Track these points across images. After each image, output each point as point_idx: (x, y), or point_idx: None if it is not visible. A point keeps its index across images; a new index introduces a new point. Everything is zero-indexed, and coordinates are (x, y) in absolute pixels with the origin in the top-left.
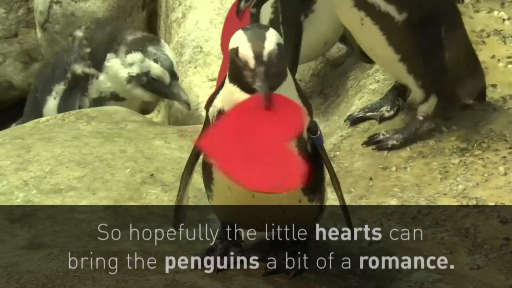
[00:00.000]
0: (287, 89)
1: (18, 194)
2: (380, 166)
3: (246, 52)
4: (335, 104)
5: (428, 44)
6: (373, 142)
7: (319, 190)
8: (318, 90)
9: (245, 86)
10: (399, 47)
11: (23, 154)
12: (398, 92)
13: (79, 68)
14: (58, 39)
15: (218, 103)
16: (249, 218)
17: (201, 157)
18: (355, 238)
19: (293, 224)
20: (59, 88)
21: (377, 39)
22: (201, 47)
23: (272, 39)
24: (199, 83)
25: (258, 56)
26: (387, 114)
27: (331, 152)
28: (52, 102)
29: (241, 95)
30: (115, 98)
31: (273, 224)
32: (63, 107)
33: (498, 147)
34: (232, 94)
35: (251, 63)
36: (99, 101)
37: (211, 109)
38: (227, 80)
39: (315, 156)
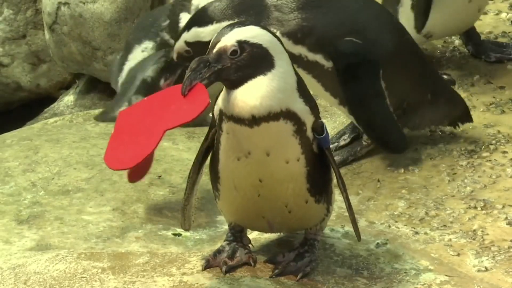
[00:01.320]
0: (264, 85)
1: (26, 195)
2: (388, 168)
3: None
4: None
5: (358, 92)
6: None
7: (326, 191)
8: None
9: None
10: (335, 92)
11: (31, 155)
12: None
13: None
14: (66, 41)
15: (219, 102)
16: (256, 218)
17: (209, 156)
18: (362, 238)
19: (300, 225)
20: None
21: (314, 85)
22: None
23: (234, 36)
24: None
25: (210, 48)
26: (342, 143)
27: None
28: (139, 54)
29: (223, 91)
30: None
31: (280, 225)
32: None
33: (506, 149)
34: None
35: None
36: None
37: (215, 108)
38: None
39: (321, 156)
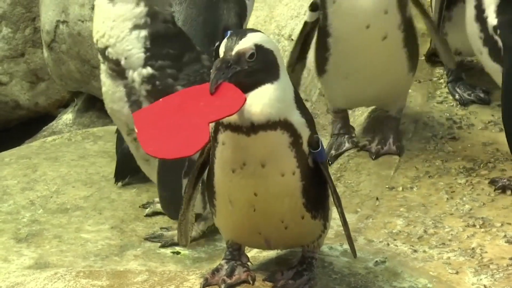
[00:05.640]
0: (268, 93)
1: (25, 213)
2: (387, 186)
3: (221, 48)
4: None
5: None
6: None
7: (322, 207)
8: (324, 110)
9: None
10: None
11: (29, 173)
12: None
13: None
14: (64, 59)
15: None
16: (252, 235)
17: (205, 172)
18: (357, 255)
19: (297, 242)
20: None
21: None
22: None
23: (251, 39)
24: None
25: (227, 50)
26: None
27: (337, 172)
28: None
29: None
30: None
31: (277, 242)
32: None
33: (505, 167)
34: None
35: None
36: None
37: None
38: None
39: (317, 172)
